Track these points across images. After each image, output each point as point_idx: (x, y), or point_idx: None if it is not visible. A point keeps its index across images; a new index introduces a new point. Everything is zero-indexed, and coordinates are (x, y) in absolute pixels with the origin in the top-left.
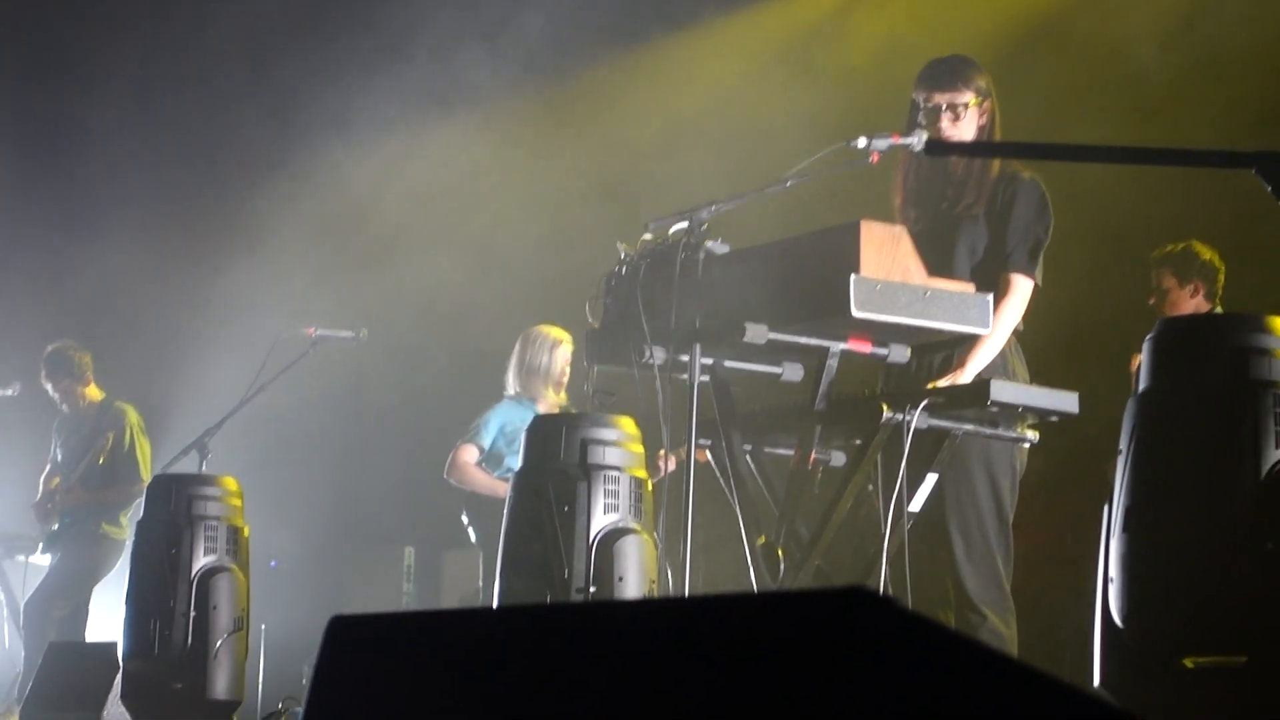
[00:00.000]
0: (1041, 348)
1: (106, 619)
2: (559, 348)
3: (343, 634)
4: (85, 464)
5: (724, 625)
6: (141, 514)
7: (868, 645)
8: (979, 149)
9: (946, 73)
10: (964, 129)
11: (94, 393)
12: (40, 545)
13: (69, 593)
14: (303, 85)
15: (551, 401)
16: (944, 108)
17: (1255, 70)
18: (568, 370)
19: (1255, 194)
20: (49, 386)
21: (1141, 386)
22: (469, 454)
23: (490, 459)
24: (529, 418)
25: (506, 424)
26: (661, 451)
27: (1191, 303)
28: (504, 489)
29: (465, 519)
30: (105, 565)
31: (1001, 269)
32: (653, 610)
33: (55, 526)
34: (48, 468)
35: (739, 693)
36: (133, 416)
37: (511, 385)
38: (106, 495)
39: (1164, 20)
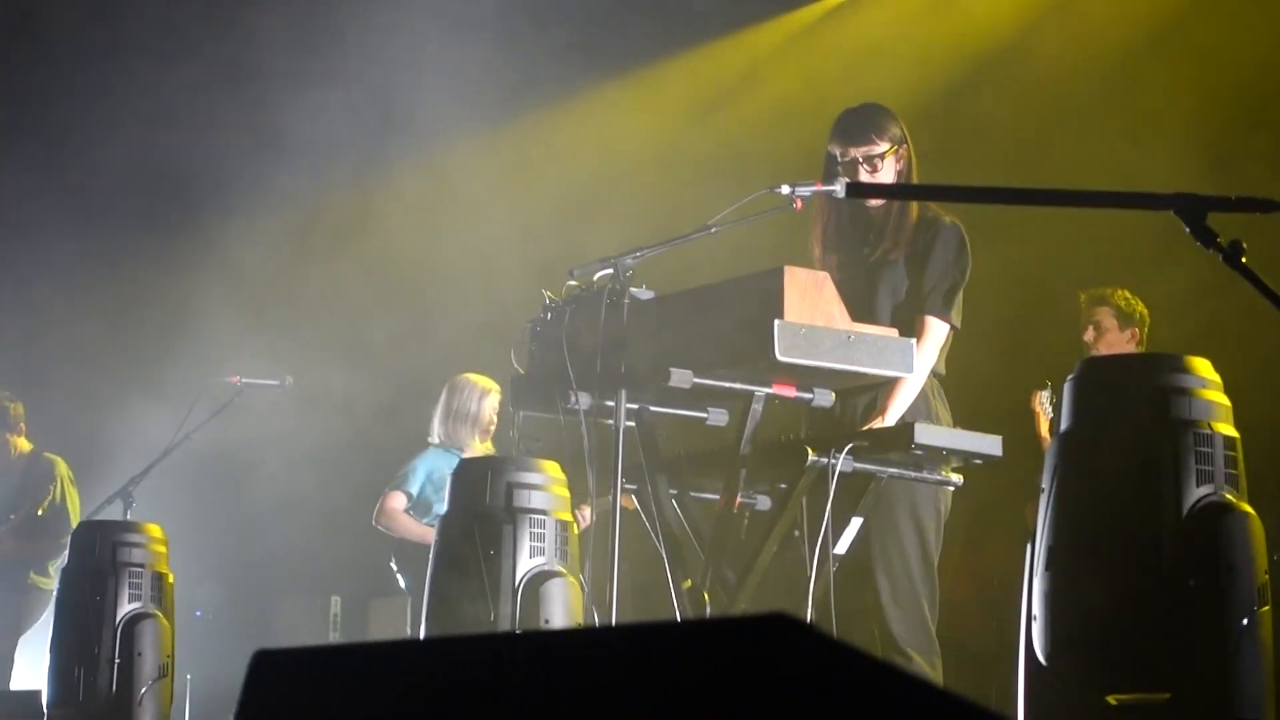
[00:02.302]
0: (964, 390)
1: (31, 667)
2: (487, 396)
3: (267, 669)
4: (23, 515)
5: (650, 652)
6: (66, 561)
7: (792, 671)
8: (900, 190)
9: (859, 125)
10: (882, 179)
11: (24, 444)
12: None
13: None
14: (227, 129)
15: (477, 450)
16: (860, 160)
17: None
18: (495, 419)
19: (1174, 236)
20: None
21: (1064, 426)
22: (397, 500)
23: (418, 506)
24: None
25: (434, 471)
26: (583, 506)
27: (1127, 346)
28: (432, 535)
29: (394, 566)
30: (32, 615)
31: (918, 312)
32: (580, 640)
33: None
34: None
35: (666, 718)
36: (63, 468)
37: (437, 433)
38: (37, 547)
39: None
